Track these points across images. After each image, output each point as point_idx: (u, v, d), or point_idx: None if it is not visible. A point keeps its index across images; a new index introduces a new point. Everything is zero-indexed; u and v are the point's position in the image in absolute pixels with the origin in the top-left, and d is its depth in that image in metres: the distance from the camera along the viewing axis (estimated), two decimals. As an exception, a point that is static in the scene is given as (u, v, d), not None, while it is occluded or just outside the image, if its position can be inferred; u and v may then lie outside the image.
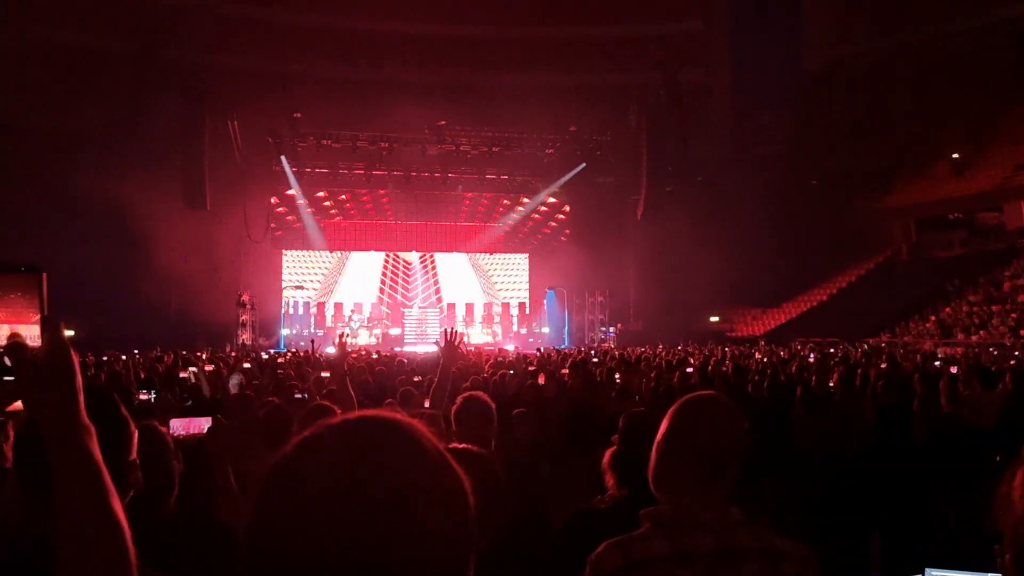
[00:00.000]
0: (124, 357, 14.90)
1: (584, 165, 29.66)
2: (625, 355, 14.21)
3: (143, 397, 6.64)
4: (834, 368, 9.05)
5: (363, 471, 0.76)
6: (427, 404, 5.32)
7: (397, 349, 23.40)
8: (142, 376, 9.06)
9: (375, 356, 15.74)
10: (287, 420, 3.49)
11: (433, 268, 33.39)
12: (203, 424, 2.28)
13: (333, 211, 32.37)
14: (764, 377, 7.99)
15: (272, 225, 30.27)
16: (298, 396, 6.03)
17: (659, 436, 1.79)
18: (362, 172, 28.85)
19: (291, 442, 0.82)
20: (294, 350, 21.90)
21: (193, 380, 8.99)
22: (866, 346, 21.61)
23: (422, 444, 0.80)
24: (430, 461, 0.80)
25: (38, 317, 1.09)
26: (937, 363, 12.35)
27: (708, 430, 1.73)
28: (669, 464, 1.74)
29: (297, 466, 0.79)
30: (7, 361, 1.03)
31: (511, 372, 9.38)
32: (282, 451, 0.81)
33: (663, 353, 17.04)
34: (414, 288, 32.97)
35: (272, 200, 29.76)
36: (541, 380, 8.15)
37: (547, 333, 30.11)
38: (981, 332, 24.72)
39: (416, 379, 8.12)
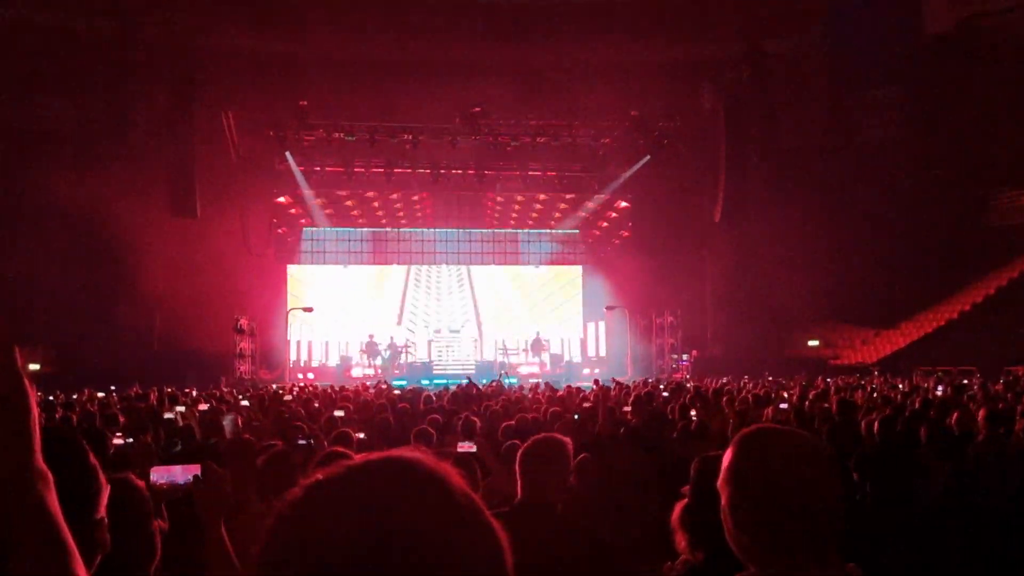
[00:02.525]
0: (100, 395, 15.25)
1: (648, 158, 29.59)
2: (702, 388, 14.10)
3: (119, 442, 6.74)
4: (967, 404, 8.84)
5: (384, 521, 0.77)
6: (461, 446, 5.36)
7: (424, 382, 23.63)
8: (120, 419, 9.25)
9: (397, 392, 15.97)
10: (292, 468, 3.54)
11: (467, 284, 33.52)
12: (191, 472, 2.35)
13: (348, 217, 32.73)
14: (881, 416, 7.82)
15: (276, 234, 30.73)
16: (302, 441, 6.09)
17: (725, 498, 1.73)
18: (382, 170, 29.18)
19: (302, 484, 0.83)
20: (301, 384, 22.21)
21: (181, 422, 9.14)
22: (1010, 377, 21.07)
23: (452, 492, 0.82)
24: (461, 511, 0.81)
25: None
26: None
27: (786, 474, 1.67)
28: (751, 527, 1.68)
29: (307, 514, 0.80)
30: None
31: (558, 409, 9.39)
32: (291, 495, 0.82)
33: (749, 385, 16.94)
34: (444, 309, 33.10)
35: (279, 200, 30.15)
36: (598, 427, 8.11)
37: (606, 360, 29.97)
38: None
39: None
